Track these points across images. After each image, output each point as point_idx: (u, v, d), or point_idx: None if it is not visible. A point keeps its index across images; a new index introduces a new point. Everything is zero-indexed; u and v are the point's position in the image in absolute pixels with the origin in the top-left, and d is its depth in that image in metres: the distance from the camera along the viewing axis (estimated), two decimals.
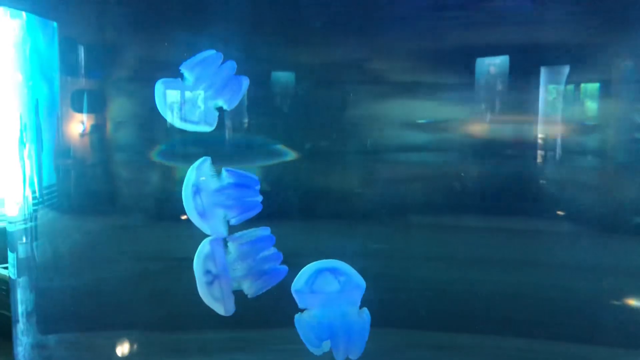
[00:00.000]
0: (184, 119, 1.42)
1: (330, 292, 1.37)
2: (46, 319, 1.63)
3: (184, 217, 1.51)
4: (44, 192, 1.60)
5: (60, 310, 1.61)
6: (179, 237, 1.58)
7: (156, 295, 1.59)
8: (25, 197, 1.60)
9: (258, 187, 1.41)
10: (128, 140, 1.61)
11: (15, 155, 1.59)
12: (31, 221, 1.61)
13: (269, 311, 1.49)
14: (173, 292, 1.59)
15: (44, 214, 1.62)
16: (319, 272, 1.38)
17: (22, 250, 1.64)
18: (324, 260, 1.39)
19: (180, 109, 1.42)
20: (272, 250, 1.42)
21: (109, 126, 1.58)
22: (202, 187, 1.42)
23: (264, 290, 1.41)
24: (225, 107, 1.40)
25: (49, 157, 1.59)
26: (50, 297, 1.63)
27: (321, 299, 1.37)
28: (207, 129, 1.41)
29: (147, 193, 1.58)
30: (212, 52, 1.39)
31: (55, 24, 1.53)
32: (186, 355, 1.60)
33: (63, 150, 1.58)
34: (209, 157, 1.42)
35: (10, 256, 1.65)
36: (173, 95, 1.42)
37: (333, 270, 1.38)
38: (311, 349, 1.38)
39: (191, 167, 1.42)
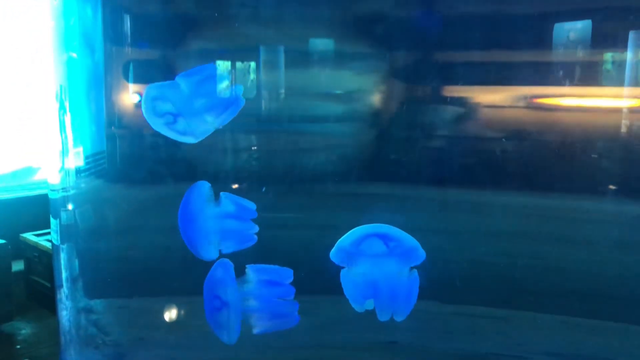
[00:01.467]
0: (170, 127, 1.43)
1: (376, 254, 1.40)
2: (93, 284, 1.68)
3: (235, 186, 1.55)
4: (89, 160, 1.63)
5: (107, 275, 1.65)
6: None
7: (198, 261, 1.64)
8: (67, 165, 1.62)
9: (254, 218, 1.42)
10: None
11: (56, 123, 1.61)
12: (75, 189, 1.64)
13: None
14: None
15: (88, 181, 1.64)
16: (367, 236, 1.40)
17: (65, 217, 1.66)
18: (374, 225, 1.40)
19: (168, 117, 1.42)
20: (291, 296, 1.43)
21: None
22: (199, 210, 1.43)
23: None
24: (215, 124, 1.40)
25: (94, 125, 1.61)
26: (95, 263, 1.66)
27: (366, 261, 1.40)
28: (191, 140, 1.42)
29: (192, 163, 1.61)
30: (210, 65, 1.39)
31: None
32: None
33: (108, 119, 1.60)
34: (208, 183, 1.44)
35: (53, 222, 1.68)
36: (163, 102, 1.43)
37: (383, 236, 1.40)
38: (354, 306, 1.43)
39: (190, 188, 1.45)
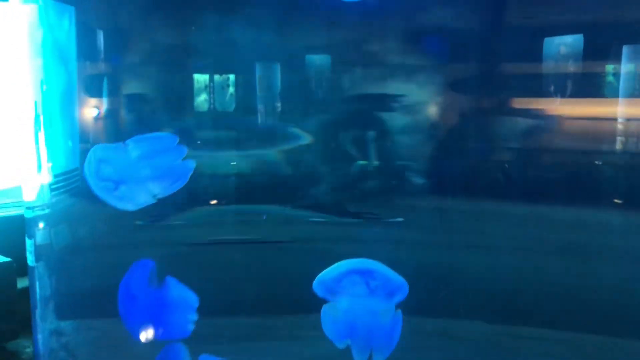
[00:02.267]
0: (109, 190, 1.37)
1: (356, 294, 1.34)
2: (64, 305, 1.63)
3: (213, 202, 1.51)
4: (63, 177, 1.59)
5: (78, 296, 1.61)
6: (197, 224, 1.58)
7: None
8: (42, 183, 1.58)
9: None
10: (145, 124, 1.60)
11: (31, 140, 1.57)
12: (50, 207, 1.60)
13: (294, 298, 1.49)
14: (189, 278, 1.59)
15: (63, 199, 1.61)
16: (349, 273, 1.34)
17: (40, 237, 1.62)
18: (360, 260, 1.35)
19: (110, 183, 1.37)
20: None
21: (127, 110, 1.57)
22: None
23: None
24: (159, 194, 1.35)
25: (68, 141, 1.58)
26: (67, 283, 1.62)
27: (347, 299, 1.34)
28: (129, 207, 1.37)
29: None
30: (168, 135, 1.34)
31: (72, 8, 1.51)
32: (206, 341, 1.60)
33: (82, 136, 1.57)
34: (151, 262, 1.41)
35: (28, 243, 1.64)
36: (107, 166, 1.36)
37: (366, 273, 1.33)
38: (334, 342, 1.37)
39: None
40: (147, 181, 1.34)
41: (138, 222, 1.53)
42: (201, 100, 1.51)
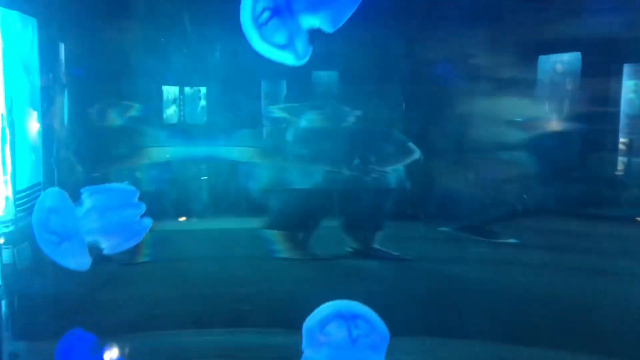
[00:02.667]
0: (53, 244, 1.22)
1: (338, 343, 1.21)
2: (20, 326, 1.58)
3: (182, 219, 1.48)
4: (27, 192, 1.56)
5: (32, 317, 1.56)
6: (161, 241, 1.56)
7: (132, 299, 1.58)
8: (7, 199, 1.56)
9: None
10: (112, 137, 1.58)
11: None
12: (14, 224, 1.57)
13: None
14: (148, 296, 1.58)
15: (26, 215, 1.57)
16: (334, 317, 1.21)
17: (6, 256, 1.59)
18: (346, 302, 1.24)
19: (54, 237, 1.21)
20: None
21: (92, 124, 1.56)
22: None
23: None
24: (106, 250, 1.20)
25: (31, 155, 1.56)
26: (24, 304, 1.58)
27: (329, 349, 1.21)
28: (71, 266, 1.21)
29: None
30: (128, 188, 1.22)
31: (35, 20, 1.51)
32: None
33: (45, 149, 1.55)
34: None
35: None
36: (56, 217, 1.21)
37: (350, 318, 1.21)
38: None
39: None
40: (96, 236, 1.19)
41: None
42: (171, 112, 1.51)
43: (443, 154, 1.52)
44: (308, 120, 1.54)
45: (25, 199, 1.55)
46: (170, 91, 1.48)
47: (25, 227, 1.57)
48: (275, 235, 1.58)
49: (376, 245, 1.55)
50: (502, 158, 1.52)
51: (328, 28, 1.08)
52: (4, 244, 1.57)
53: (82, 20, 1.51)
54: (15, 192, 1.55)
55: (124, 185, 1.24)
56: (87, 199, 1.20)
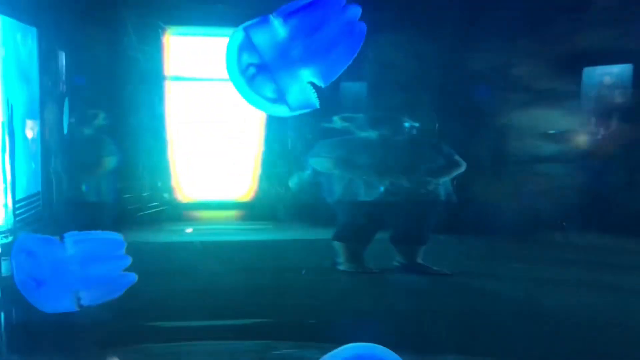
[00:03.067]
0: (29, 288, 1.14)
1: None
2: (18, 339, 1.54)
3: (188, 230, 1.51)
4: (26, 202, 1.55)
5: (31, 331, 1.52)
6: (162, 260, 1.57)
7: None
8: (7, 208, 1.54)
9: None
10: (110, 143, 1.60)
11: None
12: (12, 234, 1.55)
13: None
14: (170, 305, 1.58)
15: (24, 225, 1.56)
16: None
17: (5, 267, 1.55)
18: (367, 345, 1.17)
19: (31, 282, 1.12)
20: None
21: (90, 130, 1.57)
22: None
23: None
24: (84, 301, 1.11)
25: (30, 163, 1.55)
26: (22, 317, 1.52)
27: None
28: (47, 310, 1.15)
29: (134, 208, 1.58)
30: (114, 238, 1.11)
31: (34, 29, 1.53)
32: None
33: (44, 158, 1.55)
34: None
35: None
36: (34, 259, 1.12)
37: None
38: None
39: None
40: (76, 286, 1.11)
41: None
42: None
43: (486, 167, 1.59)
44: (363, 131, 1.61)
45: (25, 209, 1.55)
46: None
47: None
48: (335, 247, 1.64)
49: (419, 260, 1.62)
50: (545, 171, 1.57)
51: (320, 83, 1.01)
52: (3, 255, 1.55)
53: (82, 28, 1.53)
54: (14, 202, 1.54)
55: (111, 235, 1.13)
56: (71, 246, 1.10)
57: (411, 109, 1.57)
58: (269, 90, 1.02)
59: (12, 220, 1.53)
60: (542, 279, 1.54)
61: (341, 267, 1.65)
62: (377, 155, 1.60)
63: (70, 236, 1.10)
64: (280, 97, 1.02)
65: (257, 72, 1.02)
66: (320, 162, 1.62)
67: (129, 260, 1.11)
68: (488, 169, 1.58)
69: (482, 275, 1.59)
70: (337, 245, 1.65)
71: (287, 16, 0.99)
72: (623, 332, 1.44)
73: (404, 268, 1.62)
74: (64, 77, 1.54)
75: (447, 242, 1.60)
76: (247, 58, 1.01)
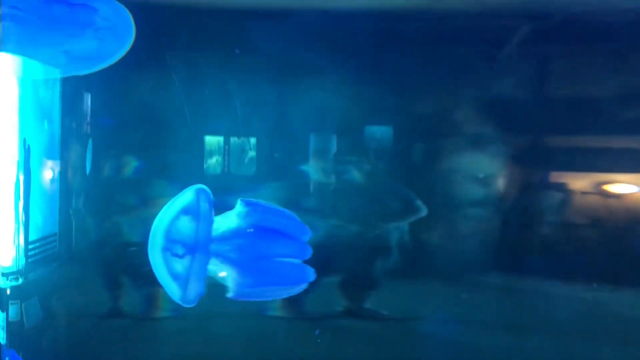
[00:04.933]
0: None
1: None
2: None
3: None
4: (40, 243, 1.50)
5: None
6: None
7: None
8: (19, 248, 1.49)
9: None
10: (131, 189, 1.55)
11: (10, 201, 1.50)
12: (23, 276, 1.49)
13: None
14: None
15: (37, 267, 1.51)
16: None
17: (12, 312, 1.50)
18: None
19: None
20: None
21: (110, 176, 1.53)
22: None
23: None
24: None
25: (46, 204, 1.51)
26: None
27: None
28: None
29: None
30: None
31: (57, 70, 1.50)
32: None
33: (62, 199, 1.51)
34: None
35: (1, 316, 1.51)
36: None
37: None
38: None
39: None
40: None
41: None
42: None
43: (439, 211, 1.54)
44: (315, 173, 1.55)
45: (38, 250, 1.50)
46: (213, 141, 1.48)
47: (36, 281, 1.51)
48: None
49: (367, 305, 1.53)
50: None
51: (232, 293, 0.96)
52: (11, 298, 1.49)
53: (108, 69, 1.51)
54: (27, 242, 1.49)
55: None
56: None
57: (357, 152, 1.49)
58: (179, 266, 0.97)
59: (23, 261, 1.48)
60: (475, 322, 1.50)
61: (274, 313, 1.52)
62: (325, 198, 1.51)
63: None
64: (182, 282, 0.96)
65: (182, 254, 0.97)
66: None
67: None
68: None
69: (422, 319, 1.51)
70: None
71: (251, 215, 0.93)
72: None
73: (350, 313, 1.51)
74: (88, 118, 1.50)
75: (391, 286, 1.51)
76: (185, 223, 0.98)
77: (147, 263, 1.39)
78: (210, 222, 0.98)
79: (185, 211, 0.98)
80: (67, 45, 1.24)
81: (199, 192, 1.03)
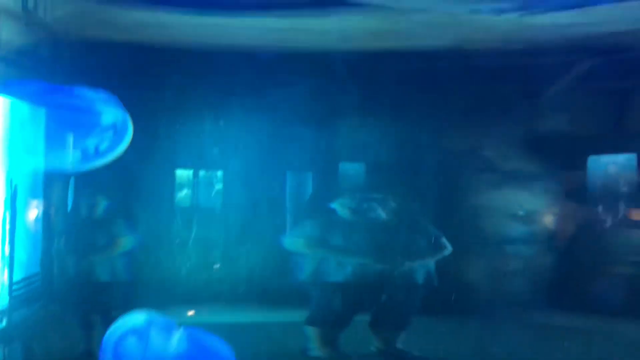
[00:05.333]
0: None
1: None
2: None
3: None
4: (24, 283, 1.46)
5: None
6: None
7: None
8: (3, 288, 1.44)
9: None
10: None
11: None
12: (7, 316, 1.44)
13: None
14: None
15: (20, 307, 1.46)
16: None
17: None
18: None
19: None
20: None
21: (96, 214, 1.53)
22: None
23: None
24: None
25: (30, 243, 1.48)
26: None
27: None
28: None
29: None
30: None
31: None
32: None
33: (46, 239, 1.49)
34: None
35: None
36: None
37: None
38: None
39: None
40: None
41: None
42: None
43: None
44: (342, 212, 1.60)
45: (22, 290, 1.46)
46: (183, 175, 1.54)
47: (20, 323, 1.46)
48: (308, 331, 1.59)
49: (399, 345, 1.58)
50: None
51: None
52: None
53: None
54: (10, 282, 1.45)
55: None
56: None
57: (390, 191, 1.59)
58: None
59: (7, 301, 1.43)
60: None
61: (313, 353, 1.59)
62: (353, 235, 1.58)
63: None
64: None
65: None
66: (292, 242, 1.60)
67: None
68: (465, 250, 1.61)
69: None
70: (310, 329, 1.59)
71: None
72: None
73: (382, 354, 1.57)
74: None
75: (426, 325, 1.58)
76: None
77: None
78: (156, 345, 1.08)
79: (133, 332, 1.07)
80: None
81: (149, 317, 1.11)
